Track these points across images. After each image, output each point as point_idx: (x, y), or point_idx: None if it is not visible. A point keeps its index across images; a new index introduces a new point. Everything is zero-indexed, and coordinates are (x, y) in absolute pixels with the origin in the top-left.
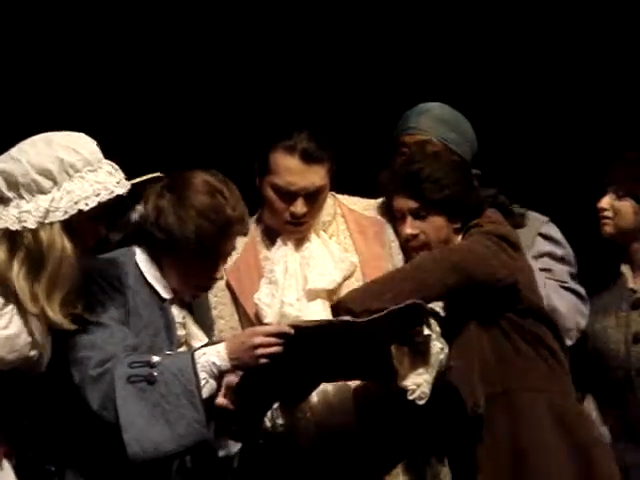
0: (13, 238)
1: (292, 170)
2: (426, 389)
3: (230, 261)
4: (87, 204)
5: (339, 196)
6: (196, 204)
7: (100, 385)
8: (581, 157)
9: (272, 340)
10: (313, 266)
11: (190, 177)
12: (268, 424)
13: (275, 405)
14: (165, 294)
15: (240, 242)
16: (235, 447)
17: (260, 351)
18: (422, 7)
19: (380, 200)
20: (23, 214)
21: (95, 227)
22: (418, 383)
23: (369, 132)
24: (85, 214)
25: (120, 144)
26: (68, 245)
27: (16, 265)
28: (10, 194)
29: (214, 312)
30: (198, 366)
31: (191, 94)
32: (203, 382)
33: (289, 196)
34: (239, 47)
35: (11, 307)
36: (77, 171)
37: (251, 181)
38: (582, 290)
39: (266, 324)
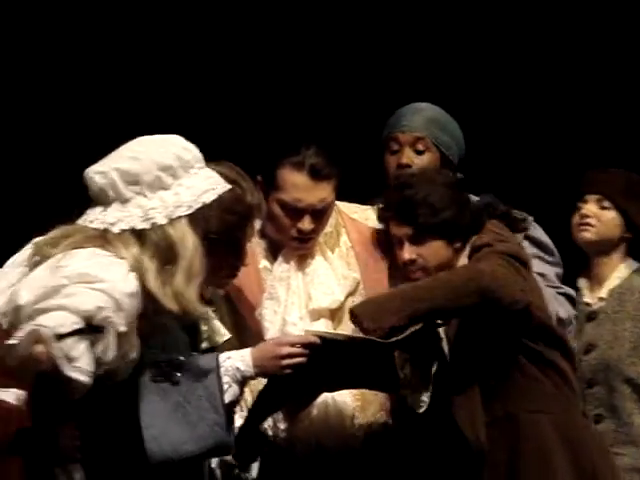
0: (140, 237)
1: (300, 187)
2: (426, 397)
3: None
4: (208, 197)
5: (339, 204)
6: (217, 199)
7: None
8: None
9: (298, 351)
10: (317, 284)
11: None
12: (270, 430)
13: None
14: None
15: None
16: (254, 473)
17: (286, 362)
18: (412, 15)
19: (378, 207)
20: (149, 211)
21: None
22: (419, 391)
23: (363, 135)
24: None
25: None
26: (197, 240)
27: (149, 264)
28: (129, 193)
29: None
30: (222, 370)
31: (194, 107)
32: (226, 386)
33: (296, 212)
34: (240, 56)
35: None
36: (191, 167)
37: None
38: (572, 291)
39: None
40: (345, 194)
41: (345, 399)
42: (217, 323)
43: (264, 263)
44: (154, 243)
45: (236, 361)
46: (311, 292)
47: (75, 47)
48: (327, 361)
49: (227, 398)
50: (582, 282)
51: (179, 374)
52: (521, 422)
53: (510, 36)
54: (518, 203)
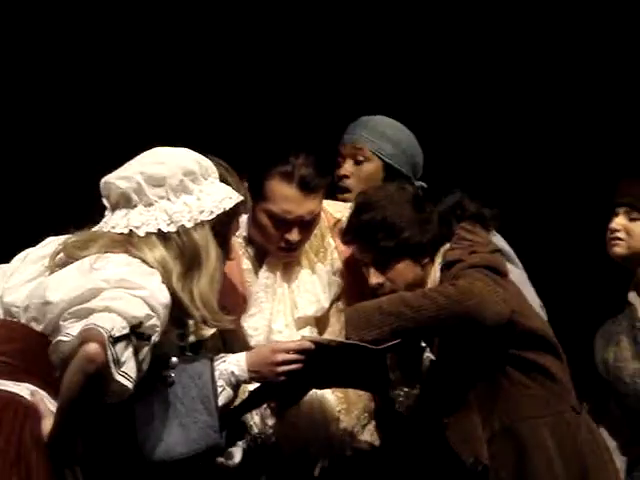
0: (164, 240)
1: (289, 199)
2: (412, 401)
3: None
4: (228, 204)
5: (324, 203)
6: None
7: None
8: (585, 177)
9: (294, 357)
10: (303, 292)
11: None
12: (256, 427)
13: (264, 405)
14: None
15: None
16: (238, 458)
17: (282, 368)
18: (403, 20)
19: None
20: (175, 214)
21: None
22: (407, 394)
23: None
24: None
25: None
26: (219, 248)
27: (174, 266)
28: (154, 197)
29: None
30: (216, 373)
31: (184, 116)
32: (220, 389)
33: (284, 224)
34: (227, 65)
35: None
36: (209, 175)
37: None
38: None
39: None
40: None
41: (330, 401)
42: None
43: (247, 265)
44: (179, 247)
45: (231, 365)
46: (297, 300)
47: (75, 53)
48: (320, 365)
49: (221, 401)
50: (633, 297)
51: (173, 375)
52: (521, 433)
53: (509, 42)
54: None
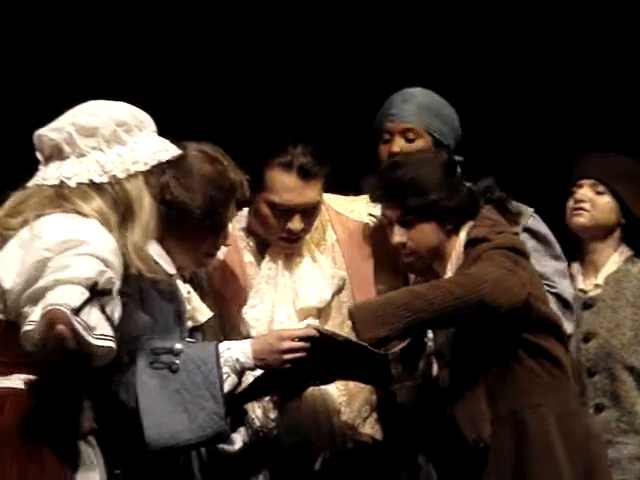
0: (98, 191)
1: (289, 187)
2: (415, 393)
3: (214, 264)
4: (163, 156)
5: (325, 196)
6: (202, 173)
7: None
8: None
9: (299, 345)
10: (305, 283)
11: (185, 146)
12: (258, 420)
13: (267, 399)
14: (171, 270)
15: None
16: (239, 444)
17: (288, 356)
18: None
19: (363, 198)
20: (107, 165)
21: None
22: (408, 387)
23: (351, 126)
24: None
25: None
26: (152, 200)
27: (112, 216)
28: (86, 148)
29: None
30: (221, 359)
31: (181, 111)
32: (225, 376)
33: (286, 213)
34: (224, 60)
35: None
36: (145, 128)
37: None
38: (567, 292)
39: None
40: (333, 187)
41: (332, 394)
42: (199, 302)
43: (249, 258)
44: (112, 197)
45: (236, 352)
46: (299, 291)
47: (75, 51)
48: (324, 355)
49: (226, 388)
50: (575, 268)
51: (178, 361)
52: (525, 419)
53: (506, 23)
54: (515, 190)
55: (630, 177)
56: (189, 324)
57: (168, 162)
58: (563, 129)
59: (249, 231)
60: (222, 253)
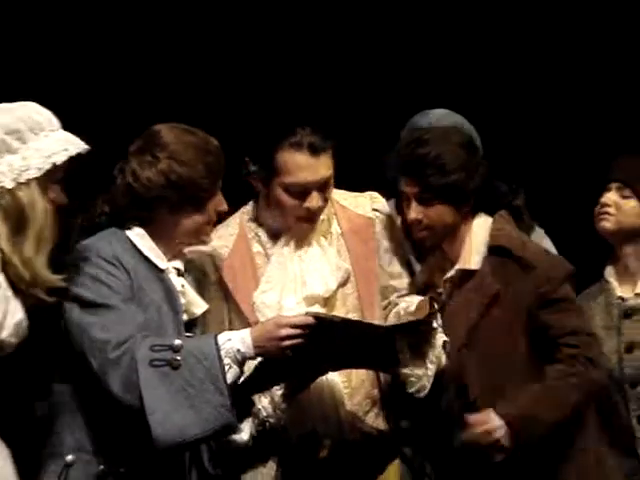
0: None
1: (302, 165)
2: (426, 382)
3: (221, 257)
4: (59, 158)
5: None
6: (192, 145)
7: (120, 368)
8: (574, 156)
9: (298, 332)
10: (312, 272)
11: (155, 130)
12: (265, 411)
13: (277, 389)
14: (162, 264)
15: (229, 237)
16: (247, 434)
17: (287, 343)
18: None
19: (368, 194)
20: None
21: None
22: (418, 376)
23: (362, 129)
24: (53, 175)
25: (119, 149)
26: (47, 204)
27: (1, 228)
28: None
29: None
30: (222, 352)
31: (190, 101)
32: (227, 367)
33: (303, 192)
34: (236, 50)
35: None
36: (42, 130)
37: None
38: None
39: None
40: (340, 183)
41: (338, 385)
42: (194, 295)
43: (258, 248)
44: (3, 208)
45: (236, 343)
46: (306, 279)
47: (75, 50)
48: (326, 342)
49: (229, 379)
50: (610, 273)
51: (179, 357)
52: None
53: (525, 36)
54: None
55: None
56: (185, 318)
57: (145, 149)
58: (599, 134)
59: (258, 222)
60: (229, 246)
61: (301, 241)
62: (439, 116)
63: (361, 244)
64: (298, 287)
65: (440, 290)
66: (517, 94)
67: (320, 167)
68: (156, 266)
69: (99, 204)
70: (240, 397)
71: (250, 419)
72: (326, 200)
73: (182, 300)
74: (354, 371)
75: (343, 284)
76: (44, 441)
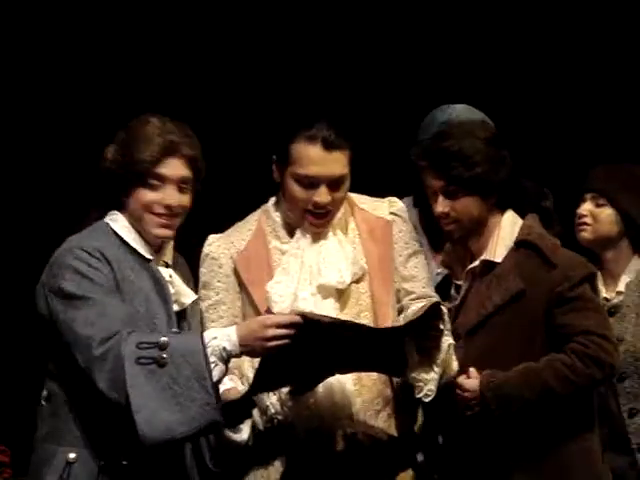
0: None
1: (314, 159)
2: (433, 386)
3: (238, 249)
4: None
5: (349, 194)
6: (147, 122)
7: (106, 365)
8: (558, 163)
9: (283, 332)
10: (328, 263)
11: (139, 120)
12: (272, 408)
13: (284, 389)
14: (148, 255)
15: (247, 231)
16: (246, 434)
17: (271, 343)
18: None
19: (386, 200)
20: None
21: None
22: (426, 380)
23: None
24: None
25: None
26: None
27: None
28: None
29: (216, 297)
30: (208, 349)
31: (205, 90)
32: (213, 365)
33: (311, 185)
34: (256, 43)
35: None
36: None
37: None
38: None
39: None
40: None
41: (347, 381)
42: (182, 285)
43: (274, 244)
44: None
45: (222, 341)
46: (321, 268)
47: (76, 50)
48: (316, 342)
49: (215, 377)
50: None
51: (165, 355)
52: None
53: (517, 38)
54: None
55: (631, 186)
56: (175, 308)
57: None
58: (578, 140)
59: (276, 218)
60: (246, 240)
61: (318, 234)
62: (459, 111)
63: (378, 246)
64: (313, 278)
65: (460, 282)
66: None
67: (332, 163)
68: (143, 256)
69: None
70: (243, 399)
71: (249, 421)
72: (337, 200)
73: (171, 290)
74: None
75: (357, 281)
76: (44, 437)
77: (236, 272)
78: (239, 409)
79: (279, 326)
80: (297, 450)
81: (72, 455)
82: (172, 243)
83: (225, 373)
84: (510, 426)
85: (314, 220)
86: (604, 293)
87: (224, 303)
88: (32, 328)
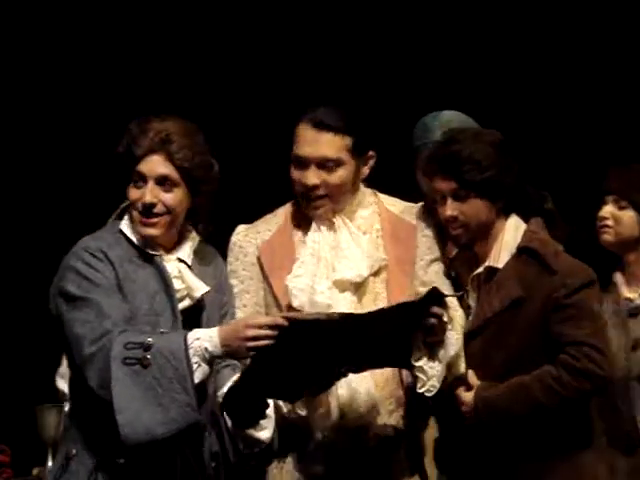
0: None
1: (305, 138)
2: (436, 382)
3: (263, 238)
4: None
5: (380, 195)
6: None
7: (96, 363)
8: (578, 165)
9: (264, 333)
10: (341, 258)
11: (137, 118)
12: (288, 404)
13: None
14: (153, 251)
15: (274, 224)
16: (270, 431)
17: (251, 344)
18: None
19: (419, 205)
20: None
21: None
22: (429, 375)
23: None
24: None
25: None
26: None
27: None
28: None
29: (241, 286)
30: (190, 350)
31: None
32: (195, 366)
33: (303, 166)
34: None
35: None
36: None
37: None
38: None
39: (294, 309)
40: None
41: (360, 383)
42: (193, 278)
43: (299, 235)
44: None
45: (204, 341)
46: (335, 264)
47: (77, 51)
48: (318, 341)
49: (197, 378)
50: (618, 277)
51: (149, 356)
52: None
53: (528, 40)
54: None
55: None
56: (187, 303)
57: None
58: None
59: (294, 204)
60: (272, 231)
61: (332, 227)
62: (449, 117)
63: (400, 248)
64: (330, 272)
65: (468, 287)
66: (522, 98)
67: (322, 144)
68: (148, 253)
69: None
70: (251, 399)
71: (272, 417)
72: (331, 185)
73: (180, 285)
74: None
75: (375, 274)
76: (63, 435)
77: (260, 261)
78: (249, 409)
79: (261, 327)
80: (312, 447)
81: (73, 451)
82: (196, 239)
83: (210, 374)
84: (505, 440)
85: (306, 204)
86: (627, 294)
87: (248, 292)
88: (42, 329)
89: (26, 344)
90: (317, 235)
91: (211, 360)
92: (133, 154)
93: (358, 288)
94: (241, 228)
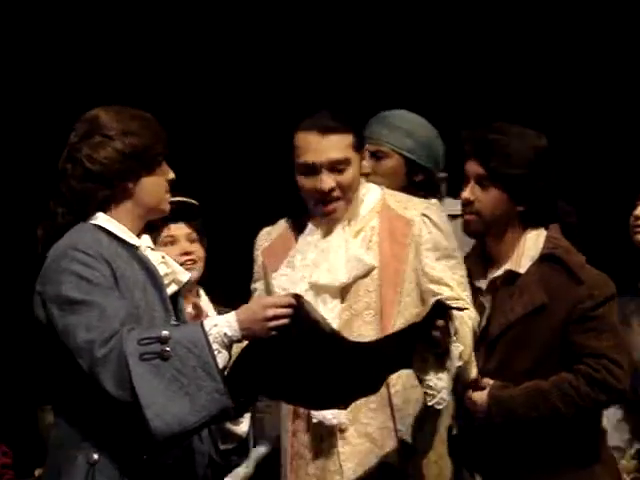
0: None
1: (310, 144)
2: (445, 395)
3: (268, 242)
4: None
5: (386, 190)
6: (132, 116)
7: (110, 366)
8: (611, 164)
9: (284, 312)
10: (323, 261)
11: (93, 115)
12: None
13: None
14: (135, 242)
15: (286, 226)
16: (246, 426)
17: (273, 323)
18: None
19: (428, 201)
20: None
21: None
22: (438, 388)
23: None
24: None
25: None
26: None
27: None
28: None
29: (254, 285)
30: (210, 337)
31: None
32: (216, 352)
33: (313, 173)
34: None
35: None
36: None
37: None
38: None
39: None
40: None
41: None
42: (175, 263)
43: (302, 236)
44: None
45: (223, 327)
46: (315, 267)
47: (77, 52)
48: (312, 343)
49: (219, 364)
50: None
51: (168, 348)
52: None
53: (532, 39)
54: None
55: None
56: (174, 287)
57: (91, 131)
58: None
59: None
60: (277, 233)
61: (325, 230)
62: (387, 114)
63: (394, 245)
64: (308, 275)
65: (478, 285)
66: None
67: (327, 147)
68: (131, 245)
69: (54, 208)
70: (241, 392)
71: (248, 414)
72: (344, 184)
73: (167, 269)
74: None
75: (363, 276)
76: (60, 444)
77: (264, 264)
78: (238, 401)
79: (278, 306)
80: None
81: (95, 456)
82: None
83: (229, 360)
84: (513, 445)
85: (323, 209)
86: None
87: (257, 289)
88: (31, 336)
89: (28, 345)
90: (309, 238)
91: (230, 345)
92: (160, 149)
93: (341, 291)
94: (262, 231)
